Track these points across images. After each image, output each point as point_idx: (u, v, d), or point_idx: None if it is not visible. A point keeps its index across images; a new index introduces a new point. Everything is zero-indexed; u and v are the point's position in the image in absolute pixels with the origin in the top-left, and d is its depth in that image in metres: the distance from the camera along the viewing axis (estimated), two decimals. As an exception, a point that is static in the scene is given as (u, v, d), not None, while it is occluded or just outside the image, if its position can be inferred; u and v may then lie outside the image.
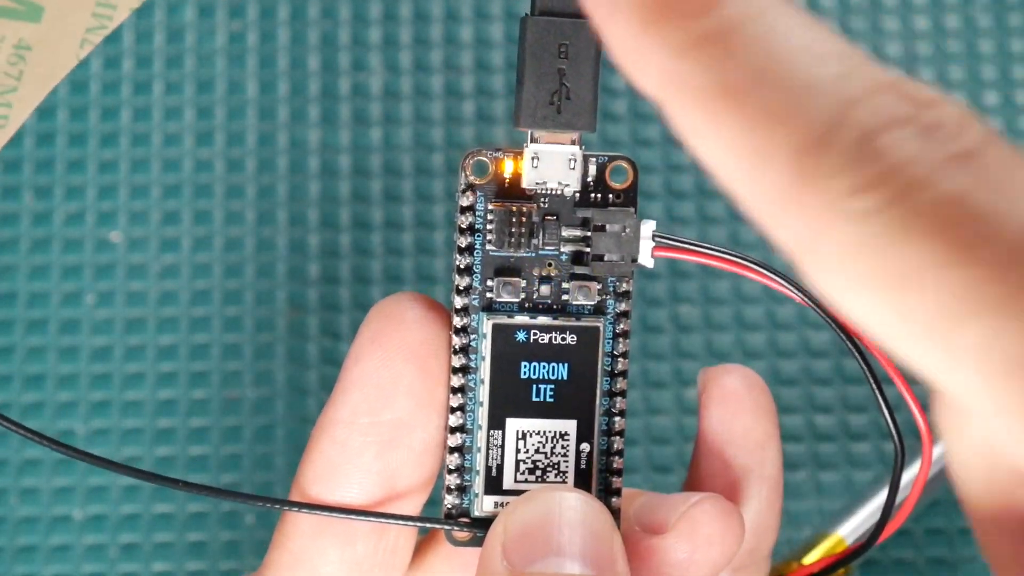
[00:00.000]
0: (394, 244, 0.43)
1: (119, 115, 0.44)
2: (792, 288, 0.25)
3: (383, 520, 0.26)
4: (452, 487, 0.26)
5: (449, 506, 0.26)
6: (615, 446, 0.26)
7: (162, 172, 0.43)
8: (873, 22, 0.45)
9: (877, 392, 0.25)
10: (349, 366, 0.26)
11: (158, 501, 0.41)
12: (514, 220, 0.25)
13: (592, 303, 0.26)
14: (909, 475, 0.35)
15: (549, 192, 0.25)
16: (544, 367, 0.25)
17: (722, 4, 0.17)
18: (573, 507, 0.24)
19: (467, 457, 0.26)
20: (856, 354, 0.25)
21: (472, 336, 0.25)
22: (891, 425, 0.25)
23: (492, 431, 0.26)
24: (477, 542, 0.26)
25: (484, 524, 0.26)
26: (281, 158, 0.44)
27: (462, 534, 0.26)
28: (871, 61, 0.17)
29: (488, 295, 0.25)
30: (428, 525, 0.26)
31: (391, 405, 0.25)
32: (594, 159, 0.25)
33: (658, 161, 0.42)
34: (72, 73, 0.44)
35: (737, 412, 0.27)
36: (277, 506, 0.26)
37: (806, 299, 0.25)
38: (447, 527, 0.26)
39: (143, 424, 0.41)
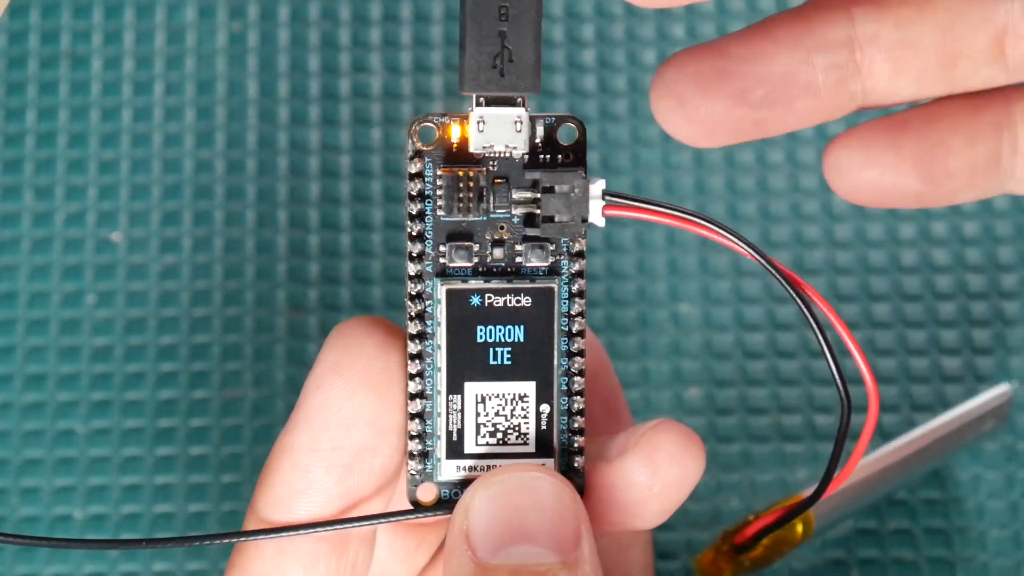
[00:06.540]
0: (394, 244, 0.43)
1: (120, 115, 0.44)
2: (734, 239, 0.25)
3: (346, 526, 0.25)
4: (415, 453, 0.26)
5: (413, 471, 0.26)
6: (576, 406, 0.26)
7: (163, 172, 0.43)
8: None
9: (822, 340, 0.25)
10: (310, 392, 0.26)
11: (158, 501, 0.41)
12: (461, 185, 0.25)
13: (546, 264, 0.26)
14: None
15: (497, 155, 0.25)
16: (500, 330, 0.26)
17: None
18: (532, 487, 0.24)
19: (428, 423, 0.26)
20: (799, 303, 0.25)
21: (427, 302, 0.26)
22: (836, 374, 0.25)
23: (451, 396, 0.26)
24: (445, 506, 0.26)
25: (448, 504, 0.26)
26: (281, 159, 0.44)
27: (428, 498, 0.26)
28: None
29: (441, 260, 0.25)
30: (391, 520, 0.26)
31: (352, 433, 0.25)
32: (542, 120, 0.25)
33: (658, 161, 0.42)
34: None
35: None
36: (243, 538, 0.26)
37: (748, 250, 0.25)
38: (410, 516, 0.26)
39: (143, 424, 0.41)
